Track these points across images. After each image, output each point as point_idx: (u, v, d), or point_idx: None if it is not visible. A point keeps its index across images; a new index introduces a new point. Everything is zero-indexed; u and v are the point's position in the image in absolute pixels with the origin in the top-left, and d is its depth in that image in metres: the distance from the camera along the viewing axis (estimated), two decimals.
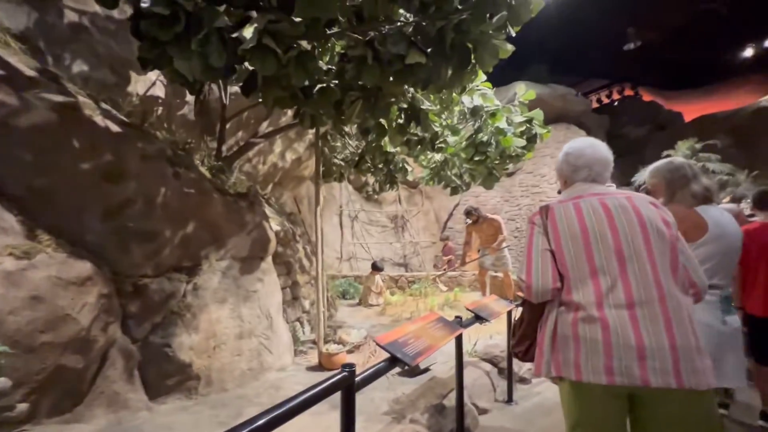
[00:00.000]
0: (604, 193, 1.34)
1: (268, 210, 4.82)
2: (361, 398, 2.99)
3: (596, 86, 16.43)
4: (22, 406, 1.93)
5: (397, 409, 2.77)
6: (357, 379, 1.42)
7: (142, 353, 2.68)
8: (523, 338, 1.44)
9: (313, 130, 4.41)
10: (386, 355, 1.67)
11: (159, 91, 4.36)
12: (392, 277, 8.65)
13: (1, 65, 2.34)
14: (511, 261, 6.58)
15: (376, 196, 9.68)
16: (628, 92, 15.80)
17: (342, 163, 6.30)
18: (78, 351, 2.25)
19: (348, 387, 1.36)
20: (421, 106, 3.53)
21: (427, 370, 3.55)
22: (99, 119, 2.69)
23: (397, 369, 1.68)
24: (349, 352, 3.97)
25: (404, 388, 3.14)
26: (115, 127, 2.77)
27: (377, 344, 1.68)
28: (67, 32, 3.29)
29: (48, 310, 2.12)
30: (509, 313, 3.55)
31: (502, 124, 4.34)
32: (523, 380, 4.07)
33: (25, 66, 2.53)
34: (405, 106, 3.45)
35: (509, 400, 3.54)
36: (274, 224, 4.53)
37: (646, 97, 15.82)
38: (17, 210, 2.22)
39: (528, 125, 4.57)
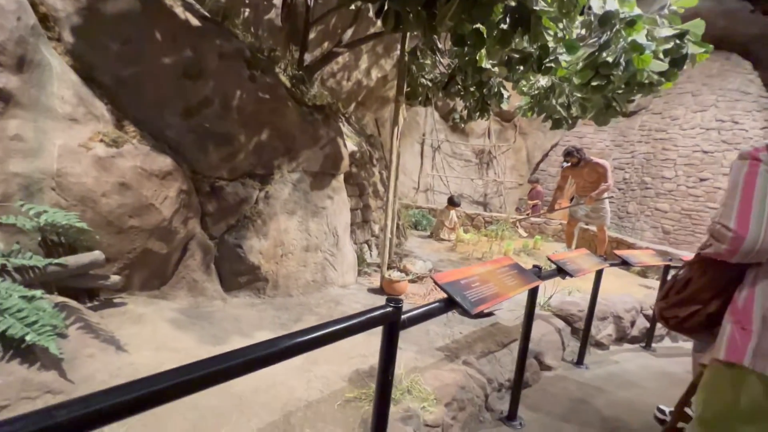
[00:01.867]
0: None
1: (346, 129, 4.65)
2: (416, 329, 2.90)
3: None
4: (116, 278, 2.19)
5: (451, 348, 2.65)
6: (404, 317, 1.22)
7: (219, 250, 2.87)
8: (688, 302, 1.13)
9: (401, 44, 3.90)
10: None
11: None
12: (468, 215, 8.25)
13: None
14: (609, 215, 5.69)
15: (462, 125, 8.91)
16: None
17: (429, 84, 5.70)
18: (161, 238, 2.45)
19: (391, 323, 1.18)
20: (534, 7, 2.80)
21: (490, 314, 3.33)
22: (179, 11, 2.60)
23: None
24: (412, 281, 3.90)
25: (462, 328, 2.98)
26: (195, 21, 2.67)
27: (435, 282, 1.45)
28: None
29: (134, 198, 2.28)
30: (599, 273, 3.04)
31: (640, 37, 3.33)
32: (599, 345, 3.65)
33: None
34: (513, 4, 2.76)
35: (579, 362, 3.21)
36: (351, 144, 4.37)
37: None
38: (107, 99, 2.32)
39: (677, 42, 3.46)
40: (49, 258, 1.91)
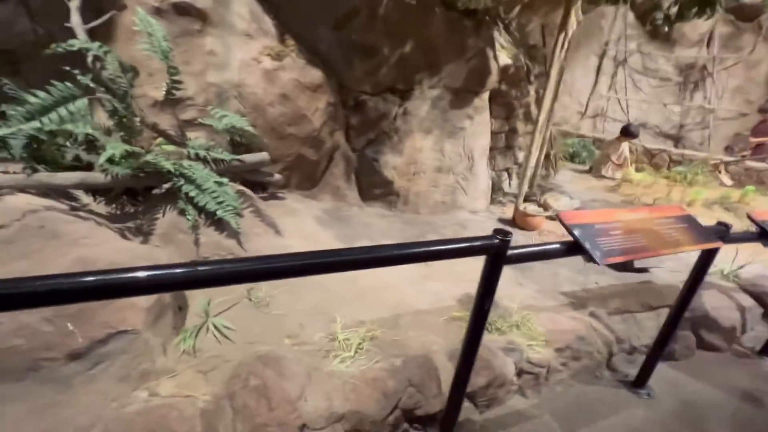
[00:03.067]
0: None
1: (502, 39, 4.07)
2: (542, 270, 2.72)
3: None
4: (278, 176, 2.66)
5: (579, 296, 2.39)
6: (512, 252, 1.13)
7: (358, 162, 3.12)
8: None
9: None
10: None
11: None
12: (648, 150, 6.66)
13: None
14: None
15: (666, 29, 6.68)
16: None
17: None
18: (312, 146, 2.79)
19: (495, 255, 1.11)
20: None
21: (643, 270, 2.81)
22: None
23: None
24: (550, 218, 3.53)
25: (599, 278, 2.63)
26: None
27: (561, 221, 1.26)
28: None
29: (292, 108, 2.60)
30: None
31: None
32: None
33: None
34: None
35: (764, 352, 2.51)
36: (505, 56, 3.85)
37: None
38: (273, 14, 2.56)
39: None
40: (233, 155, 2.42)
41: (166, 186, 2.04)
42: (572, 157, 6.65)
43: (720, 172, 6.02)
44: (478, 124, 3.35)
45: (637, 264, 2.82)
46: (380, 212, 3.22)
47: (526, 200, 3.79)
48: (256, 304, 1.83)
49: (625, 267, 2.83)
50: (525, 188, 3.51)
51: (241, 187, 2.37)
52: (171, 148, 2.21)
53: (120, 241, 1.73)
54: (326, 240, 2.50)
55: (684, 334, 2.41)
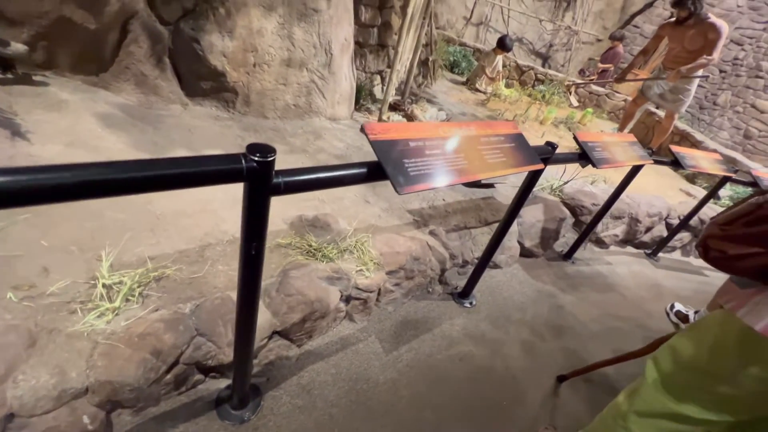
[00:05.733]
0: None
1: None
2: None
3: None
4: (20, 46, 1.76)
5: (425, 213, 2.33)
6: (284, 179, 0.79)
7: (173, 42, 2.31)
8: (751, 241, 0.82)
9: None
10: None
11: None
12: (519, 66, 6.88)
13: None
14: (689, 102, 4.49)
15: None
16: None
17: None
18: (83, 6, 1.89)
19: (256, 183, 0.76)
20: None
21: (489, 186, 2.90)
22: None
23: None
24: None
25: (448, 195, 2.61)
26: None
27: (366, 134, 0.96)
28: None
29: None
30: (636, 170, 2.42)
31: None
32: (599, 242, 3.32)
33: None
34: None
35: (568, 255, 2.94)
36: None
37: None
38: None
39: None
40: None
41: None
42: (452, 67, 6.50)
43: (570, 93, 6.63)
44: (338, 8, 2.74)
45: (484, 180, 2.89)
46: (213, 113, 2.57)
47: (394, 109, 3.51)
48: None
49: (473, 182, 2.88)
50: (391, 95, 3.18)
51: None
52: None
53: None
54: (113, 147, 1.84)
55: (510, 245, 2.62)
